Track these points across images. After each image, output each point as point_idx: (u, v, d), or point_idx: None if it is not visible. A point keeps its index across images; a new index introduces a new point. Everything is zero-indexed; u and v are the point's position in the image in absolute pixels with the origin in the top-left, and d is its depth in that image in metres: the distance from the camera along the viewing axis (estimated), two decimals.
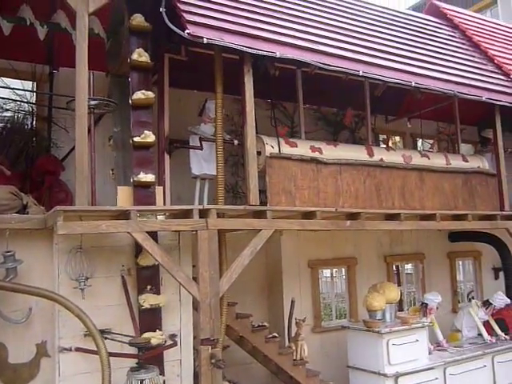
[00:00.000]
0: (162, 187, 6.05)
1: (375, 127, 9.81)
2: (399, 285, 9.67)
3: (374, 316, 7.36)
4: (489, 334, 8.58)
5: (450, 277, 9.96)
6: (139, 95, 5.71)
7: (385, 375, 6.89)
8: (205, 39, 5.54)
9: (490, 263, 10.45)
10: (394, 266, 9.40)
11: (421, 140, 11.30)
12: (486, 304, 8.63)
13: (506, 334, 8.60)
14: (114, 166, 6.56)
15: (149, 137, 5.70)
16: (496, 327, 8.66)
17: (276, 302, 8.13)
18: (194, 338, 5.87)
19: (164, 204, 6.03)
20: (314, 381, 7.06)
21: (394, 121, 10.11)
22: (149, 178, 5.60)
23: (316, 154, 6.97)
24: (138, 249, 5.54)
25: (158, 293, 5.65)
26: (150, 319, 5.55)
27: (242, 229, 5.95)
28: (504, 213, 8.01)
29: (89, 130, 5.64)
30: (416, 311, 8.08)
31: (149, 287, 5.59)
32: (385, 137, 10.73)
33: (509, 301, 8.63)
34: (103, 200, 6.15)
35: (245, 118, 6.05)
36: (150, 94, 5.77)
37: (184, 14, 5.72)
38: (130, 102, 5.74)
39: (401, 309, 9.47)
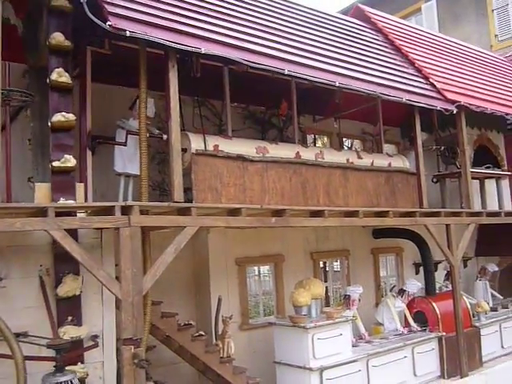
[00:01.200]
0: (83, 184, 5.86)
1: (303, 126, 9.98)
2: (325, 281, 9.90)
3: (299, 311, 7.48)
4: (406, 326, 8.97)
5: (373, 272, 10.29)
6: (59, 117, 5.39)
7: (310, 369, 7.01)
8: (127, 32, 5.41)
9: (411, 259, 10.89)
10: (320, 263, 9.59)
11: (348, 140, 11.60)
12: (401, 292, 9.00)
13: (425, 326, 9.00)
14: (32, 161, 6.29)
15: (69, 161, 5.41)
16: (410, 318, 9.04)
17: (203, 301, 8.09)
18: (118, 339, 5.73)
19: (86, 201, 5.84)
20: (241, 378, 7.07)
21: (321, 120, 10.31)
22: (69, 204, 5.34)
23: (244, 152, 7.00)
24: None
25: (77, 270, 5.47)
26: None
27: (166, 226, 5.86)
28: (423, 210, 8.36)
29: (4, 126, 5.39)
30: (340, 305, 8.30)
31: None
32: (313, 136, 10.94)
33: (420, 285, 9.02)
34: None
35: (169, 113, 5.97)
36: (71, 117, 5.46)
37: (106, 6, 5.56)
38: (49, 124, 5.43)
39: (327, 304, 9.72)
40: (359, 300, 8.22)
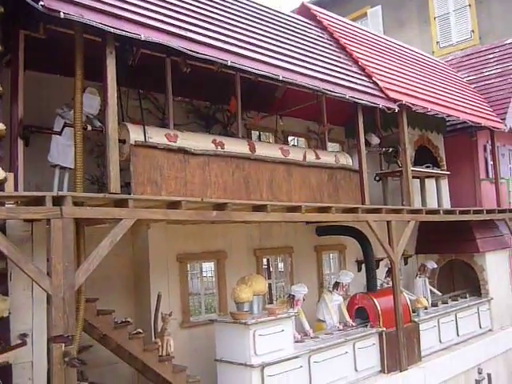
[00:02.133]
0: (12, 173, 5.53)
1: (248, 123, 9.90)
2: (269, 278, 9.84)
3: (241, 308, 7.37)
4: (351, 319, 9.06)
5: (316, 269, 10.31)
6: None
7: (251, 366, 6.91)
8: (62, 13, 5.14)
9: (354, 256, 10.98)
10: (263, 260, 9.52)
11: (293, 137, 11.62)
12: (336, 285, 9.08)
13: (366, 322, 9.09)
14: None
15: None
16: (345, 313, 9.13)
17: (143, 298, 7.85)
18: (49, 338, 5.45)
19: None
20: (181, 376, 6.89)
21: (266, 117, 10.26)
22: None
23: (186, 145, 6.84)
24: None
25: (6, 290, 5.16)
26: None
27: (102, 219, 5.62)
28: (365, 206, 8.44)
29: None
30: (284, 303, 8.25)
31: None
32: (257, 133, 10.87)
33: (352, 275, 9.17)
34: None
35: (106, 102, 5.73)
36: (1, 126, 5.16)
37: None
38: None
39: (271, 302, 9.66)
40: (303, 299, 8.20)
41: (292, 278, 9.77)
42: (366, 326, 9.06)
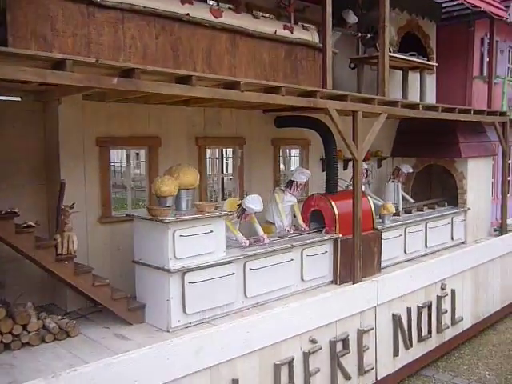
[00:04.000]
0: None
1: None
2: (214, 171, 8.59)
3: (164, 203, 6.19)
4: (305, 224, 7.99)
5: (272, 166, 9.03)
6: None
7: (168, 271, 5.84)
8: None
9: (319, 154, 9.69)
10: (207, 151, 8.20)
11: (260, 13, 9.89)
12: (289, 184, 7.92)
13: (321, 227, 8.01)
14: None
15: None
16: (298, 216, 8.07)
17: (53, 188, 6.62)
18: None
19: None
20: (84, 278, 5.83)
21: None
22: None
23: None
24: None
25: None
26: None
27: None
28: (325, 90, 6.96)
29: None
30: (233, 204, 7.02)
31: None
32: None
33: (309, 173, 7.99)
34: None
35: None
36: None
37: None
38: None
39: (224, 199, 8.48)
40: (255, 213, 7.01)
41: (241, 173, 8.50)
42: (321, 231, 8.00)
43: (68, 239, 5.75)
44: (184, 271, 5.93)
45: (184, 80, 5.39)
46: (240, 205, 6.87)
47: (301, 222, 8.01)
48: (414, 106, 8.69)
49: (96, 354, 5.23)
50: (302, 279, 7.37)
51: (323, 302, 6.97)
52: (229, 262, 6.37)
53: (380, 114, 7.81)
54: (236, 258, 6.45)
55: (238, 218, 6.88)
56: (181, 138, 7.64)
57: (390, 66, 9.67)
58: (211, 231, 6.17)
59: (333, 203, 7.92)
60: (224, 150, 9.68)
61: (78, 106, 6.60)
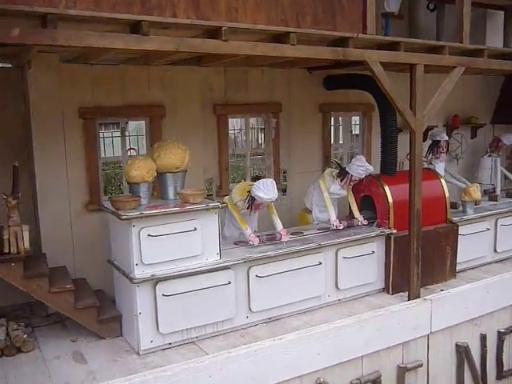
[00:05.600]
0: None
1: None
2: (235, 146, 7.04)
3: (136, 191, 4.85)
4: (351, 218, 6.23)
5: (321, 139, 7.27)
6: None
7: (132, 280, 4.53)
8: None
9: None
10: (229, 122, 6.66)
11: None
12: (342, 174, 6.09)
13: (373, 219, 6.22)
14: None
15: None
16: (354, 208, 6.24)
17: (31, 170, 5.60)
18: None
19: None
20: (37, 283, 4.72)
21: None
22: None
23: None
24: None
25: None
26: None
27: None
28: (365, 36, 5.04)
29: None
30: (244, 190, 5.48)
31: None
32: None
33: (371, 168, 6.08)
34: None
35: None
36: None
37: None
38: None
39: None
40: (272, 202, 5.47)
41: (277, 148, 6.88)
42: (373, 224, 6.20)
43: (16, 236, 4.66)
44: (155, 280, 4.59)
45: (135, 29, 3.93)
46: (249, 195, 5.32)
47: (357, 213, 6.24)
48: (508, 55, 6.38)
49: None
50: (337, 287, 5.70)
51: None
52: (223, 268, 4.91)
53: (454, 67, 5.71)
54: (233, 262, 4.96)
55: (248, 208, 5.35)
56: (192, 107, 6.21)
57: (486, 5, 7.39)
58: (195, 228, 4.73)
59: (386, 188, 6.07)
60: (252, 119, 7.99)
61: (55, 71, 5.44)
